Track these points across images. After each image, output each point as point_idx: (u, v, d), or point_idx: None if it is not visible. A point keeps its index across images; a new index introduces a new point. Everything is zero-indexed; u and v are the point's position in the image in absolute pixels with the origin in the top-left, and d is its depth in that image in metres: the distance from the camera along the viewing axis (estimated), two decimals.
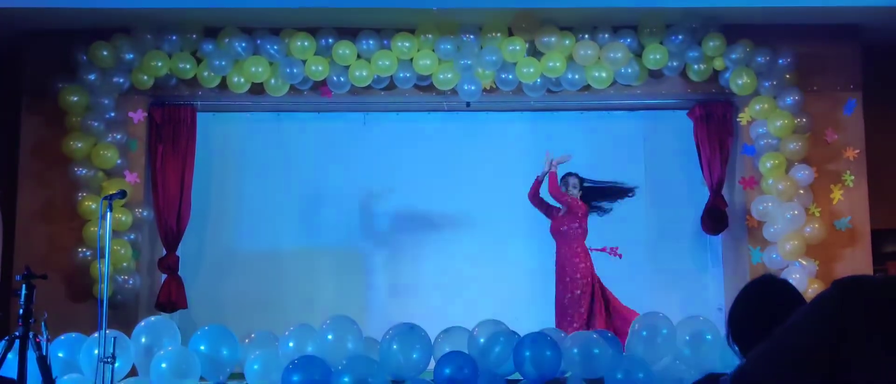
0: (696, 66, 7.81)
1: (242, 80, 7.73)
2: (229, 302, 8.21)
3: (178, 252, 7.82)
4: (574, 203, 7.23)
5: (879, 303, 1.73)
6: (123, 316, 7.29)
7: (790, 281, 3.24)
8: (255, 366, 5.93)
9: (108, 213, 5.49)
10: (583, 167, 8.42)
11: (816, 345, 1.73)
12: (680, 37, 7.70)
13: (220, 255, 8.39)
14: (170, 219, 7.77)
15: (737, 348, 2.54)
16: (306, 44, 7.66)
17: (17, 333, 4.74)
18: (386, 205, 8.47)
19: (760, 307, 2.49)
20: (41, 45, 7.76)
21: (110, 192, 5.77)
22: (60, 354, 5.88)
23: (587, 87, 7.90)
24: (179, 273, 7.79)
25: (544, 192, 7.34)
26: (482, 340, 5.94)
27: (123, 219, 7.45)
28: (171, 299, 7.66)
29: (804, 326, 1.77)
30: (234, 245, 8.44)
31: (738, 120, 7.91)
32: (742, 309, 2.54)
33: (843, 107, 7.78)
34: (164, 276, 7.77)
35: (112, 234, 7.26)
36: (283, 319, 7.18)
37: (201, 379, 5.98)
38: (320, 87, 7.85)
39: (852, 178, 7.74)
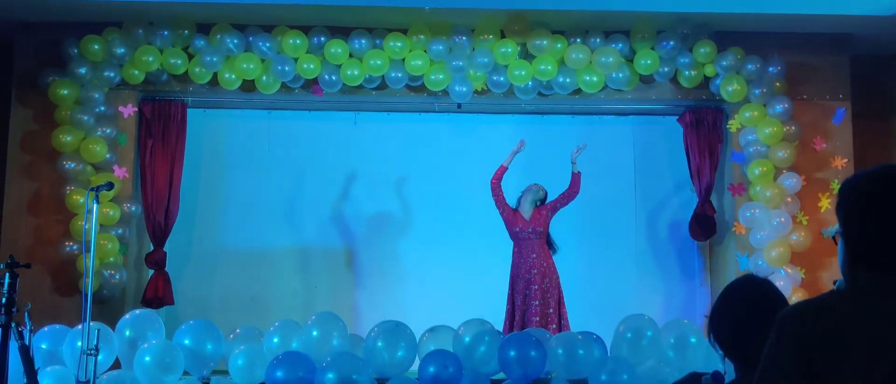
0: (686, 73, 7.84)
1: (234, 76, 7.72)
2: (216, 298, 8.20)
3: (166, 248, 7.80)
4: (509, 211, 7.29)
5: (815, 324, 1.75)
6: (110, 311, 7.26)
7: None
8: (240, 362, 5.92)
9: (95, 205, 5.46)
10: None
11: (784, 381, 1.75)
12: (671, 43, 7.73)
13: (208, 252, 8.38)
14: (158, 215, 7.75)
15: (719, 349, 2.55)
16: (298, 42, 7.65)
17: None
18: (375, 204, 8.47)
19: (742, 308, 2.49)
20: (32, 37, 7.74)
21: (97, 184, 5.73)
22: (43, 346, 5.86)
23: (578, 91, 7.92)
24: (167, 269, 7.76)
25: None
26: (467, 339, 5.94)
27: (111, 213, 7.43)
28: (157, 295, 7.63)
29: (768, 369, 1.79)
30: (221, 242, 8.43)
31: (727, 127, 7.94)
32: (724, 310, 2.54)
33: (832, 116, 7.82)
34: (151, 272, 7.75)
35: (99, 229, 7.27)
36: (270, 317, 7.19)
37: (185, 373, 5.97)
38: (311, 85, 7.85)
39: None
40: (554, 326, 6.99)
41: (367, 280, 8.37)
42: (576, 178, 7.34)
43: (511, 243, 7.37)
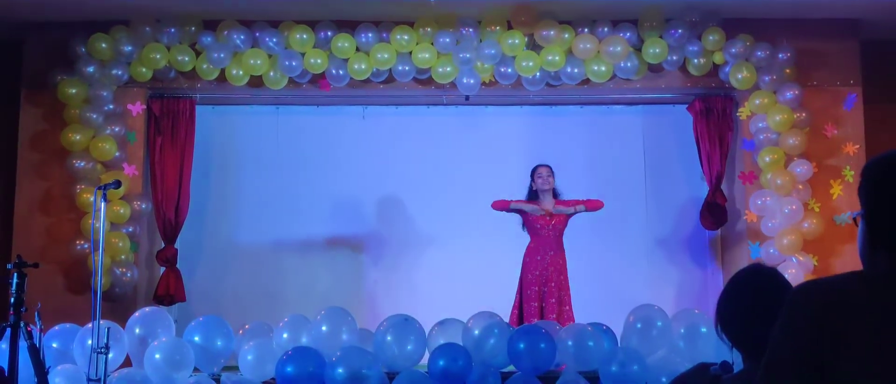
0: (695, 61, 7.78)
1: (241, 72, 7.72)
2: (228, 295, 8.23)
3: (177, 245, 7.83)
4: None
5: (829, 302, 1.72)
6: (122, 308, 7.29)
7: (783, 273, 3.23)
8: (249, 357, 5.94)
9: (103, 203, 5.48)
10: (582, 162, 8.45)
11: (795, 358, 1.72)
12: (679, 31, 7.67)
13: (219, 248, 8.41)
14: (168, 212, 7.77)
15: (726, 339, 2.54)
16: (305, 36, 7.64)
17: (7, 322, 4.75)
18: (384, 198, 8.47)
19: (748, 297, 2.48)
20: (40, 36, 7.77)
21: (105, 183, 5.75)
22: (54, 345, 5.90)
23: (586, 81, 7.88)
24: (178, 266, 7.79)
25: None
26: (477, 332, 5.94)
27: (122, 211, 7.46)
28: (169, 292, 7.66)
29: (779, 344, 1.77)
30: (232, 238, 8.45)
31: (737, 114, 7.89)
32: (730, 299, 2.53)
33: (843, 101, 7.75)
34: (162, 269, 7.78)
35: (110, 227, 7.31)
36: (282, 312, 7.19)
37: (195, 370, 5.99)
38: (319, 79, 7.84)
39: (852, 173, 7.70)
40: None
41: (376, 274, 8.38)
42: (595, 203, 7.27)
43: (520, 234, 7.33)
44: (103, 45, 7.54)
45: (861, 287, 1.75)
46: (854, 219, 1.91)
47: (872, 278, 1.77)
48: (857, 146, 7.72)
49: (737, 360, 2.54)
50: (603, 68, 7.74)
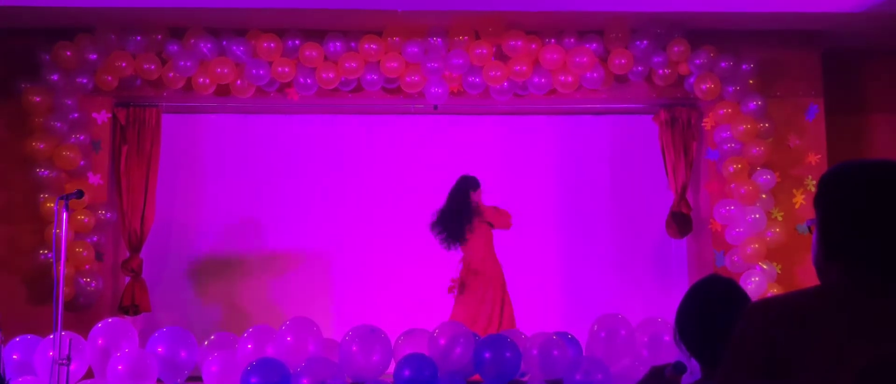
0: (660, 71, 7.85)
1: (208, 81, 7.68)
2: (194, 305, 8.18)
3: (143, 255, 7.76)
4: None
5: (783, 318, 1.73)
6: (87, 319, 7.21)
7: (743, 284, 3.28)
8: (214, 369, 5.90)
9: (65, 213, 5.43)
10: (549, 172, 8.50)
11: (750, 375, 1.74)
12: (645, 42, 7.73)
13: (185, 258, 8.35)
14: (133, 222, 7.70)
15: (684, 348, 2.57)
16: (272, 45, 7.62)
17: None
18: (352, 207, 8.46)
19: (705, 307, 2.52)
20: (3, 44, 7.68)
21: (67, 192, 5.70)
22: (15, 356, 5.82)
23: (553, 91, 7.92)
24: (143, 276, 7.72)
25: None
26: (442, 342, 5.94)
27: (86, 220, 7.39)
28: (134, 302, 7.59)
29: (734, 362, 1.78)
30: (199, 248, 8.40)
31: (702, 124, 7.96)
32: (688, 309, 2.57)
33: (805, 112, 7.86)
34: (127, 279, 7.71)
35: (74, 237, 7.24)
36: (248, 322, 7.18)
37: (159, 381, 5.94)
38: (287, 88, 7.82)
39: (814, 183, 7.79)
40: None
41: (343, 283, 8.37)
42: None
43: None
44: (68, 53, 7.47)
45: (815, 302, 1.76)
46: (809, 228, 1.92)
47: (825, 292, 1.79)
48: (819, 156, 7.83)
49: (695, 369, 2.57)
50: (569, 79, 7.79)
